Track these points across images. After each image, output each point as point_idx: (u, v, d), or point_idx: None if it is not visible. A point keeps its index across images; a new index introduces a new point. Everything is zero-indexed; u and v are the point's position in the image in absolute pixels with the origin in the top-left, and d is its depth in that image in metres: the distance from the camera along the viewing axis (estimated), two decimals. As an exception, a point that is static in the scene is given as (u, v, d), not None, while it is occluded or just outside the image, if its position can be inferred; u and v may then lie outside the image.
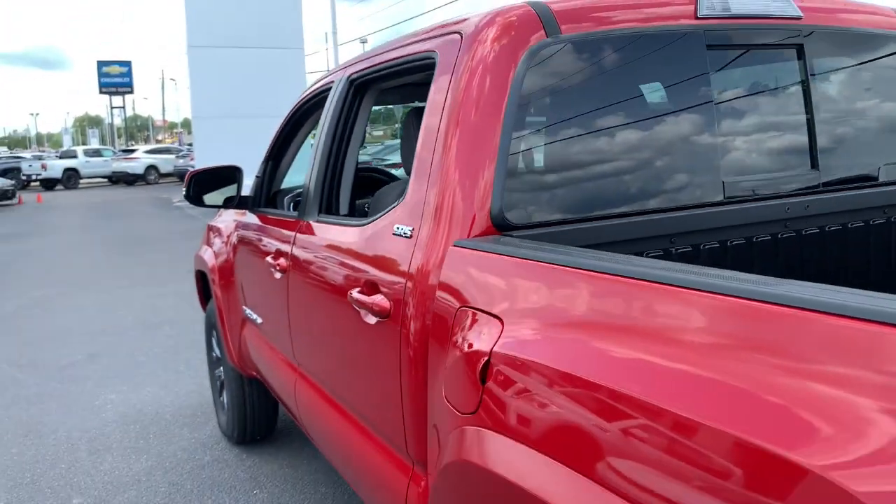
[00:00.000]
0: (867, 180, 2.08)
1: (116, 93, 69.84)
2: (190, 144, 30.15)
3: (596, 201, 1.73)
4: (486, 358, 1.32)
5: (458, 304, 1.49)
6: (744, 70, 1.96)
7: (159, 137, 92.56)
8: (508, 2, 1.78)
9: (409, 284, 1.67)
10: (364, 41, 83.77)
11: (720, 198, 1.84)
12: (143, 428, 4.29)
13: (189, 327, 6.25)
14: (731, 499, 0.84)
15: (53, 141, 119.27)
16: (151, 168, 31.18)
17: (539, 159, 1.75)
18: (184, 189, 3.24)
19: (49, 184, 31.47)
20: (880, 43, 2.14)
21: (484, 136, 1.63)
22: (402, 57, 2.07)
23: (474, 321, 1.41)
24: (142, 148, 36.54)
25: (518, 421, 1.23)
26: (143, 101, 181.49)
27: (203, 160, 20.68)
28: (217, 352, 4.03)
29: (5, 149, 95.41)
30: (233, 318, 3.54)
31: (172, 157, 32.26)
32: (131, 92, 72.03)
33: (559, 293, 1.27)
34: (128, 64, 69.92)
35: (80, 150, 35.18)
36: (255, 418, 3.83)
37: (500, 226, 1.61)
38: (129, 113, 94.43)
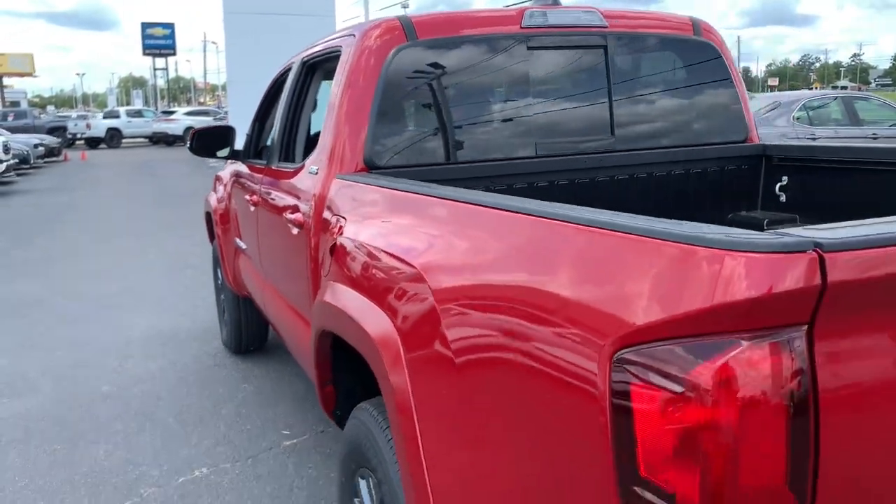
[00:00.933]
0: (651, 143, 2.88)
1: (159, 54, 70.93)
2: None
3: (438, 154, 2.57)
4: (334, 240, 2.19)
5: (331, 214, 2.34)
6: (561, 63, 2.77)
7: (201, 99, 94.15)
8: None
9: (313, 204, 2.53)
10: (406, 6, 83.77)
11: (532, 153, 2.66)
12: (161, 343, 5.25)
13: (209, 272, 7.21)
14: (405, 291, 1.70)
15: (99, 101, 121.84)
16: (190, 129, 32.29)
17: (399, 123, 2.59)
18: (188, 143, 4.13)
19: (93, 142, 32.87)
20: (664, 43, 2.93)
21: (362, 104, 2.47)
22: (327, 48, 2.91)
23: (337, 222, 2.27)
24: (181, 110, 37.75)
25: (345, 275, 2.10)
26: (186, 64, 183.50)
27: (237, 122, 21.63)
28: (220, 278, 4.95)
29: (52, 108, 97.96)
30: (229, 248, 4.45)
31: (210, 119, 33.36)
32: (174, 54, 73.10)
33: (381, 205, 2.11)
34: (171, 26, 70.89)
35: (122, 110, 36.58)
36: (249, 331, 4.75)
37: (370, 166, 2.45)
38: (172, 75, 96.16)
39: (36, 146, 21.98)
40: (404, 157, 2.53)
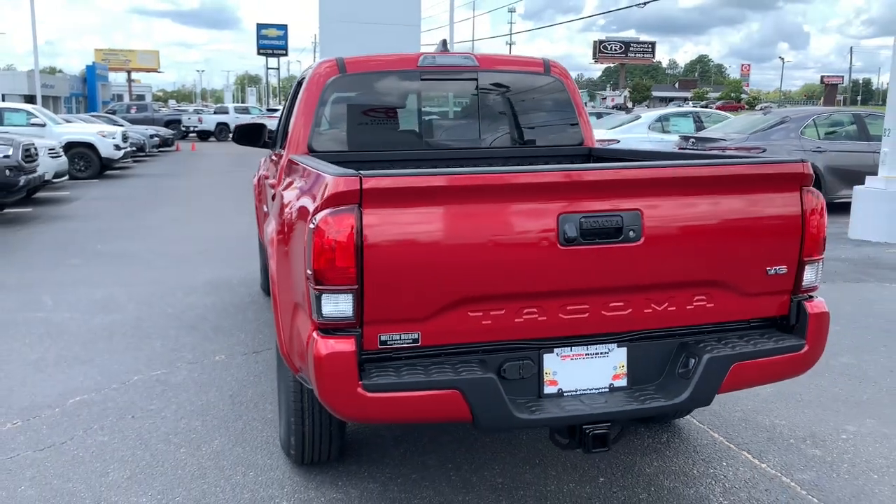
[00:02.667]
0: (506, 144, 4.28)
1: (272, 54, 74.66)
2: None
3: (353, 144, 4.07)
4: (274, 191, 3.73)
5: (285, 176, 3.88)
6: (445, 91, 4.21)
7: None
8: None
9: (277, 172, 4.07)
10: (512, 10, 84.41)
11: (420, 147, 4.12)
12: (217, 286, 6.96)
13: (265, 237, 8.98)
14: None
15: (216, 97, 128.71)
16: (290, 125, 34.95)
17: (330, 124, 4.10)
18: (231, 135, 5.76)
19: (204, 135, 35.97)
20: (522, 78, 4.33)
21: (309, 111, 4.00)
22: (304, 73, 4.46)
23: (283, 180, 3.80)
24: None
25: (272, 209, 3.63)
26: (296, 64, 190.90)
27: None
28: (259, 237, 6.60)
29: (174, 102, 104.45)
30: (260, 211, 6.08)
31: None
32: (286, 54, 76.80)
33: (299, 169, 3.62)
34: (284, 27, 74.50)
35: (231, 106, 39.73)
36: (275, 276, 6.37)
37: (310, 150, 3.98)
38: (284, 74, 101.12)
39: (152, 136, 24.72)
40: (331, 146, 4.05)
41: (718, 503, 3.15)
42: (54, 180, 13.67)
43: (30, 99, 35.99)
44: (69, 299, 6.47)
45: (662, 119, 14.72)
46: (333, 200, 2.37)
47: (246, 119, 37.19)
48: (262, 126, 5.72)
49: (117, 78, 75.54)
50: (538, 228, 2.47)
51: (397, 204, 2.41)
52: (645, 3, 29.90)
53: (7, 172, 10.56)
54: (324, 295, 2.40)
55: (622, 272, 2.58)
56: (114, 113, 33.90)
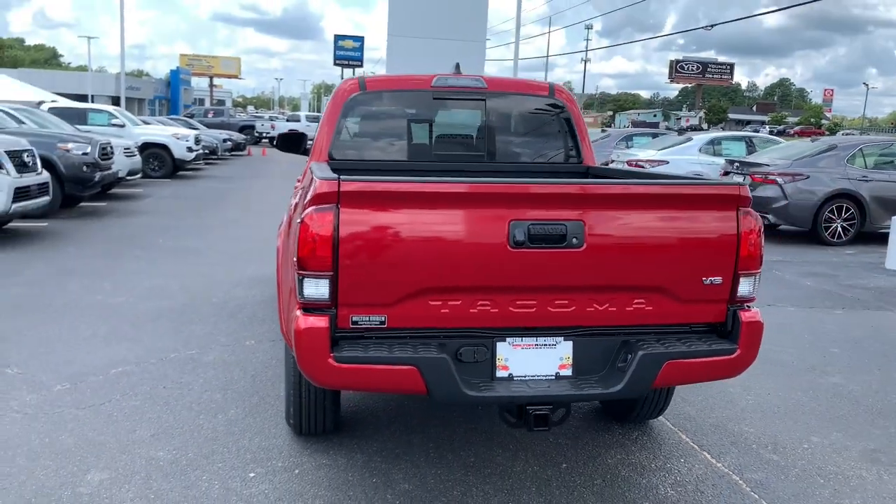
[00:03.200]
0: (510, 160, 4.67)
1: (348, 65, 76.35)
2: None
3: (367, 154, 4.53)
4: (304, 191, 4.21)
5: (310, 179, 4.36)
6: (455, 110, 4.63)
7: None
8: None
9: (304, 175, 4.55)
10: (589, 27, 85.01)
11: (430, 159, 4.55)
12: (261, 281, 7.52)
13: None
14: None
15: (294, 104, 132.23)
16: (357, 135, 36.01)
17: (348, 135, 4.56)
18: (274, 143, 6.31)
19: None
20: (527, 100, 4.71)
21: (331, 124, 4.48)
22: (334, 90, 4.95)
23: (298, 187, 4.28)
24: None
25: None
26: (371, 75, 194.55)
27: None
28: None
29: (252, 108, 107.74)
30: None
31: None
32: (361, 65, 78.43)
33: (307, 176, 4.09)
34: (360, 39, 76.12)
35: (303, 114, 41.08)
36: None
37: (330, 159, 4.45)
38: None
39: (224, 140, 25.89)
40: (348, 155, 4.51)
41: (665, 492, 3.47)
42: (128, 178, 14.64)
43: (117, 100, 38.05)
44: (126, 286, 7.13)
45: (714, 142, 14.79)
46: (317, 200, 2.82)
47: (316, 127, 38.42)
48: (303, 135, 6.24)
49: (200, 83, 78.61)
50: (491, 232, 2.87)
51: (369, 205, 2.84)
52: (712, 27, 29.77)
53: (84, 168, 11.46)
54: (305, 279, 2.84)
55: (566, 274, 2.95)
56: (192, 116, 35.49)
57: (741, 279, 3.10)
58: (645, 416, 4.16)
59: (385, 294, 2.89)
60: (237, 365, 4.99)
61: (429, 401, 4.21)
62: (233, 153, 28.38)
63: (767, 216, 10.91)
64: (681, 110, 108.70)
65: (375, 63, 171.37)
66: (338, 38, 73.15)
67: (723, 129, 71.53)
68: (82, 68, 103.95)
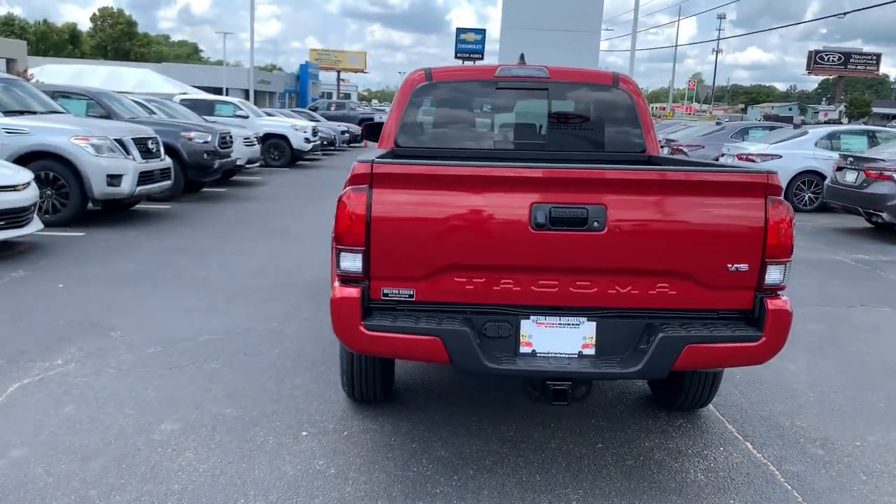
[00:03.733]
0: (569, 148, 4.76)
1: (469, 58, 76.51)
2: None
3: (433, 142, 4.74)
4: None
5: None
6: (519, 99, 4.77)
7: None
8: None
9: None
10: (722, 16, 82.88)
11: (491, 146, 4.72)
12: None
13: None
14: None
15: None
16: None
17: (416, 123, 4.79)
18: (360, 132, 6.62)
19: (394, 133, 38.27)
20: (590, 90, 4.78)
21: (398, 113, 4.73)
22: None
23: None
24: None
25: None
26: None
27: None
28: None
29: (376, 101, 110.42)
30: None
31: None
32: (482, 58, 78.49)
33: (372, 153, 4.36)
34: (482, 32, 76.19)
35: (419, 107, 42.04)
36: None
37: (396, 146, 4.71)
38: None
39: (343, 132, 26.86)
40: (413, 142, 4.74)
41: (695, 477, 3.51)
42: (247, 166, 15.55)
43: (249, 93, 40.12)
44: (230, 265, 7.69)
45: (832, 136, 14.06)
46: (353, 181, 3.07)
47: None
48: (382, 124, 6.53)
49: (328, 77, 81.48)
50: (514, 214, 3.03)
51: (399, 186, 3.07)
52: (844, 14, 28.06)
53: (204, 156, 12.31)
54: (342, 253, 3.10)
55: (587, 256, 3.07)
56: (315, 109, 36.94)
57: (769, 267, 3.12)
58: (690, 405, 4.18)
59: (413, 269, 3.10)
60: (311, 338, 5.34)
61: (478, 378, 4.41)
62: (350, 145, 29.40)
63: (881, 214, 10.35)
64: (819, 104, 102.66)
65: (494, 56, 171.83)
66: (459, 31, 73.51)
67: (865, 123, 66.99)
68: (219, 63, 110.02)
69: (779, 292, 3.19)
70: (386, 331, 3.08)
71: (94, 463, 3.43)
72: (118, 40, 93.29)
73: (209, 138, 12.49)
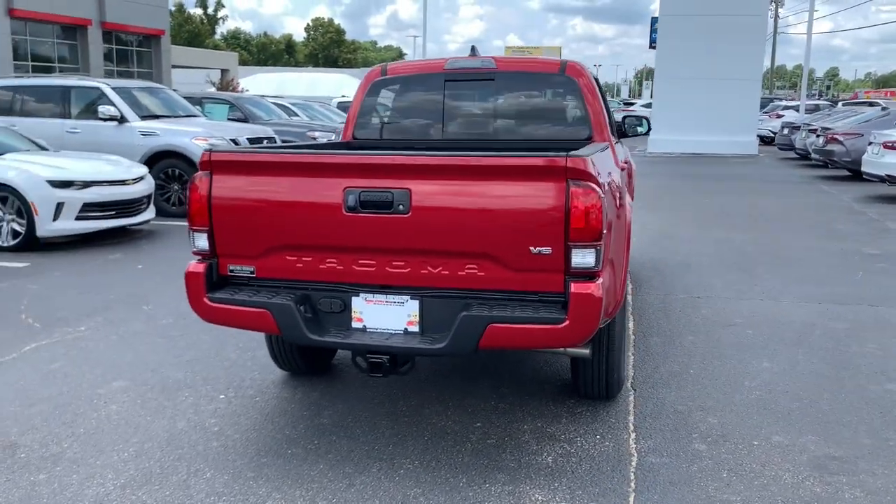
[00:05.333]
0: (516, 136, 4.81)
1: (664, 48, 73.96)
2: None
3: (387, 134, 5.01)
4: None
5: None
6: (466, 90, 4.90)
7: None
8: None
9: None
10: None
11: (441, 137, 4.90)
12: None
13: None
14: None
15: (616, 90, 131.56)
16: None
17: (370, 116, 5.07)
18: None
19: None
20: (536, 78, 4.79)
21: (355, 107, 5.06)
22: None
23: None
24: (639, 102, 40.66)
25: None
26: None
27: (660, 114, 23.90)
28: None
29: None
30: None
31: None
32: (679, 47, 75.56)
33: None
34: (679, 21, 73.25)
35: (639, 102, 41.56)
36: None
37: (354, 139, 5.04)
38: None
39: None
40: (368, 135, 5.04)
41: (542, 461, 3.54)
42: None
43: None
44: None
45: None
46: (201, 167, 3.47)
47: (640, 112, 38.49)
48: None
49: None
50: (329, 198, 3.27)
51: (235, 172, 3.42)
52: None
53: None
54: (192, 232, 3.52)
55: (395, 238, 3.24)
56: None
57: (574, 251, 3.11)
58: (593, 394, 4.13)
59: (250, 248, 3.45)
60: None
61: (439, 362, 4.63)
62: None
63: None
64: None
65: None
66: (654, 20, 71.42)
67: None
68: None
69: (592, 276, 3.16)
70: (225, 303, 3.45)
71: (35, 408, 4.11)
72: (328, 48, 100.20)
73: (332, 137, 13.41)
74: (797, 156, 20.45)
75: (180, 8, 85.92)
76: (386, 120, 5.10)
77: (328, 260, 3.38)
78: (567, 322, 3.13)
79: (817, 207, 12.16)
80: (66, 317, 5.80)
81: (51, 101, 11.44)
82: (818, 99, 49.39)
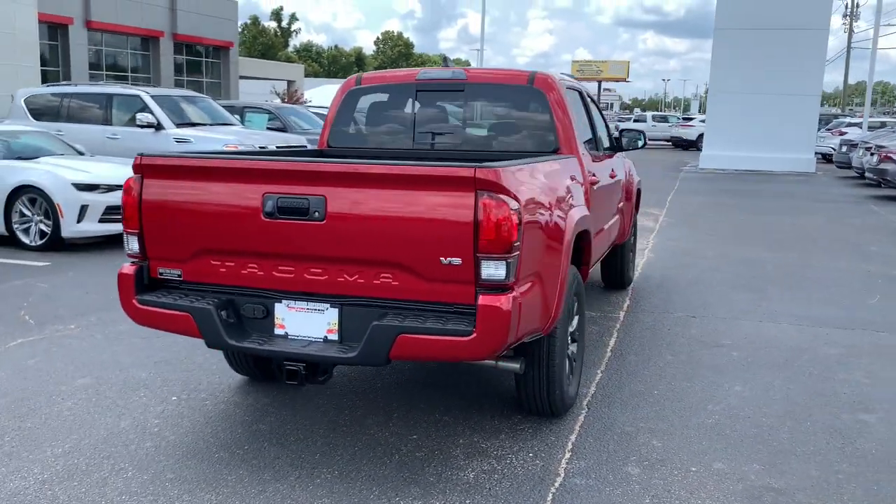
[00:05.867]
0: (484, 147, 4.75)
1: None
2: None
3: (359, 142, 5.02)
4: None
5: None
6: (436, 101, 4.88)
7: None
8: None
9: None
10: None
11: (411, 147, 4.89)
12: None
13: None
14: None
15: (684, 105, 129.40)
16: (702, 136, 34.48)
17: (344, 124, 5.09)
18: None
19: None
20: (504, 90, 4.73)
21: (331, 116, 5.10)
22: None
23: None
24: (698, 117, 39.66)
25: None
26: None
27: (715, 130, 23.34)
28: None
29: (638, 110, 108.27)
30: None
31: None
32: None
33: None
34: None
35: (649, 115, 40.58)
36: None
37: (328, 146, 5.08)
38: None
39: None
40: (342, 143, 5.06)
41: (462, 476, 3.47)
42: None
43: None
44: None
45: None
46: (133, 170, 3.54)
47: (662, 128, 37.74)
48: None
49: (589, 88, 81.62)
50: (249, 203, 3.30)
51: (163, 176, 3.48)
52: None
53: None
54: (125, 236, 3.59)
55: (312, 245, 3.24)
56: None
57: (483, 262, 3.05)
58: (534, 410, 4.04)
59: (178, 251, 3.50)
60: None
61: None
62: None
63: None
64: None
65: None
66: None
67: None
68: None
69: (503, 289, 3.09)
70: (152, 305, 3.51)
71: (1, 400, 4.26)
72: (396, 61, 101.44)
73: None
74: (856, 174, 19.65)
75: (255, 21, 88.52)
76: (359, 129, 5.12)
77: (250, 265, 3.40)
78: (475, 335, 3.07)
79: (860, 228, 11.65)
80: (63, 315, 6.00)
81: (94, 108, 11.91)
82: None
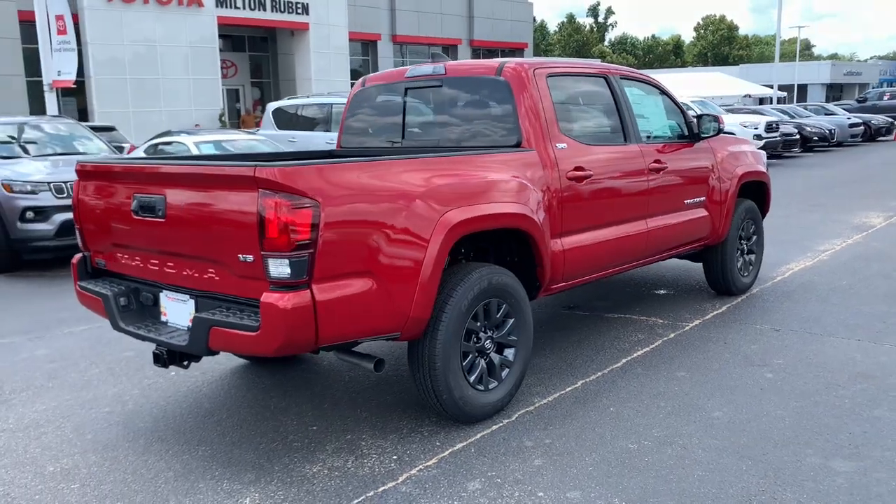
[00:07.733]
0: (456, 142, 4.59)
1: None
2: None
3: (364, 142, 5.16)
4: None
5: None
6: (421, 97, 4.82)
7: None
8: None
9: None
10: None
11: (402, 144, 4.91)
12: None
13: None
14: None
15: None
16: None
17: (352, 126, 5.24)
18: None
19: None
20: (475, 82, 4.51)
21: (344, 116, 5.32)
22: None
23: None
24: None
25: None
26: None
27: None
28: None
29: None
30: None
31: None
32: None
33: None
34: None
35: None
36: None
37: (341, 147, 5.31)
38: None
39: (851, 125, 23.99)
40: (350, 143, 5.24)
41: (327, 475, 3.51)
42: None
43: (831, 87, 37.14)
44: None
45: None
46: (76, 174, 4.14)
47: None
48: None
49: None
50: (124, 202, 3.71)
51: (89, 179, 4.02)
52: None
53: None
54: (76, 231, 4.22)
55: (163, 241, 3.56)
56: (864, 101, 33.17)
57: (270, 260, 3.10)
58: (439, 413, 3.89)
59: (100, 245, 4.04)
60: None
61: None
62: (873, 139, 25.73)
63: None
64: None
65: None
66: None
67: None
68: (834, 57, 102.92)
69: (294, 287, 3.11)
70: (85, 291, 4.09)
71: None
72: (717, 46, 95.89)
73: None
74: None
75: (571, 19, 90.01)
76: (362, 129, 5.27)
77: (136, 258, 3.81)
78: (260, 331, 3.14)
79: None
80: (67, 319, 6.26)
81: (317, 117, 13.34)
82: None
